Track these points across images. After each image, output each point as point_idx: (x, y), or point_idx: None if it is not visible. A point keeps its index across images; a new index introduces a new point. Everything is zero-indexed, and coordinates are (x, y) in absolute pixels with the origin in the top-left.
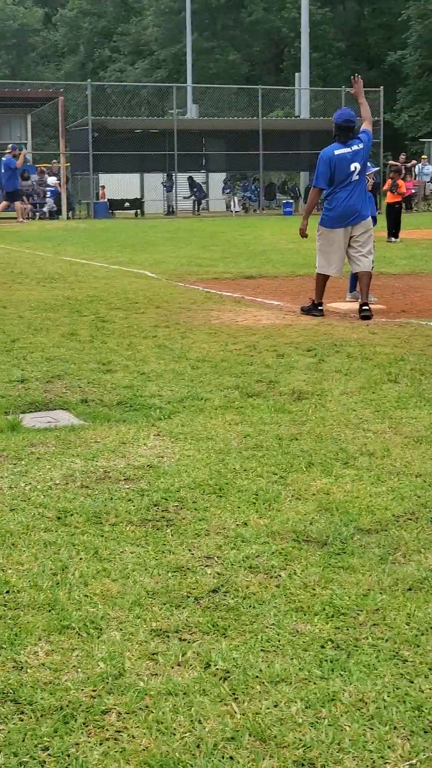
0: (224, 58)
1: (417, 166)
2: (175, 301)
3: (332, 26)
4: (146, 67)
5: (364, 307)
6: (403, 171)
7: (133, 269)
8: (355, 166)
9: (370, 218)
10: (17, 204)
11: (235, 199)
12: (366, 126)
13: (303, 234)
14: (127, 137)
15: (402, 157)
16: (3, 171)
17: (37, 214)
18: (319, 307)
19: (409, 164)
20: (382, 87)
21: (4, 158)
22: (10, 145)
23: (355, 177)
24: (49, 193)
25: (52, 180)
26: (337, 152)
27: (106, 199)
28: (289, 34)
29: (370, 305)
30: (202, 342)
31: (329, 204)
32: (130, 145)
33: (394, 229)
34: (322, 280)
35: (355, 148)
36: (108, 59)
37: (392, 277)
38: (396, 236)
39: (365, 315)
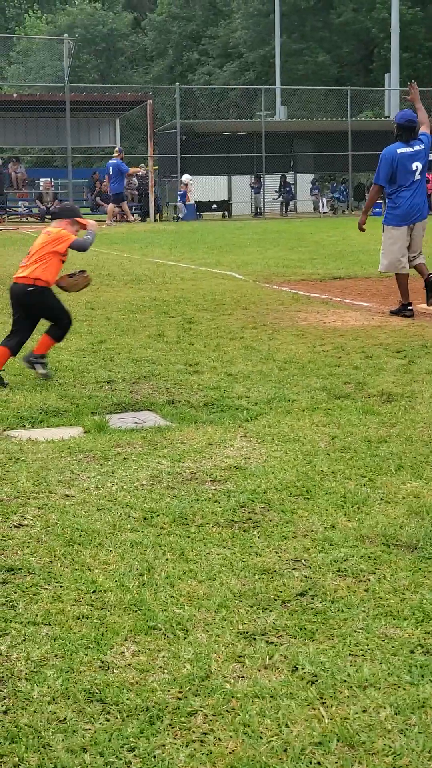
0: (313, 60)
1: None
2: (262, 302)
3: (423, 26)
4: (234, 70)
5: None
6: None
7: (220, 271)
8: (417, 165)
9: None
10: (110, 206)
11: (323, 200)
12: (425, 129)
13: (361, 228)
14: (215, 139)
15: None
16: (111, 173)
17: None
18: (409, 308)
19: None
20: None
21: (113, 161)
22: (117, 148)
23: (418, 176)
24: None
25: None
26: (399, 151)
27: (192, 201)
28: (379, 35)
29: None
30: (290, 343)
31: (393, 203)
32: (218, 148)
33: None
34: (404, 279)
35: (417, 147)
36: (196, 62)
37: None
38: None
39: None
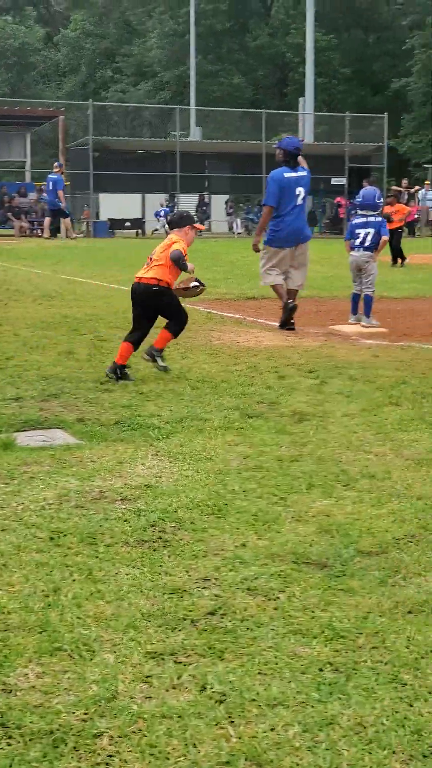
0: (228, 82)
1: (420, 192)
2: None
3: (338, 52)
4: (149, 89)
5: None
6: (406, 196)
7: None
8: (300, 190)
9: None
10: (66, 221)
11: (238, 221)
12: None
13: (255, 249)
14: (129, 157)
15: (404, 182)
16: (50, 188)
17: (36, 231)
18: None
19: (412, 190)
20: (386, 113)
21: (52, 176)
22: (56, 163)
23: (300, 201)
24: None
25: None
26: (286, 175)
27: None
28: (294, 60)
29: (370, 328)
30: (203, 362)
31: (276, 226)
32: (132, 166)
33: (398, 255)
34: (279, 289)
35: (301, 173)
36: (110, 80)
37: (395, 301)
38: (401, 260)
39: (289, 328)
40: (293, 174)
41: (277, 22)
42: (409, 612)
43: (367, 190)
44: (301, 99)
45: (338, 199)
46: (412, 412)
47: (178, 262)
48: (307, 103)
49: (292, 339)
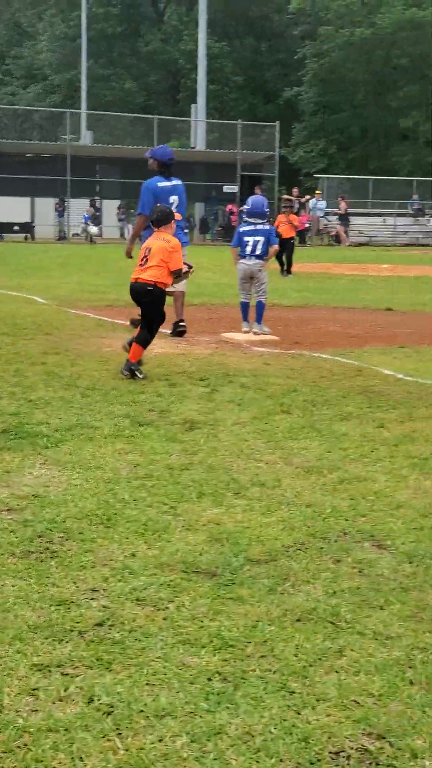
0: (120, 86)
1: (311, 201)
2: (65, 327)
3: (229, 60)
4: (39, 92)
5: (180, 323)
6: (297, 206)
7: (21, 294)
8: (174, 198)
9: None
10: None
11: (129, 226)
12: None
13: (128, 255)
14: (19, 161)
15: (295, 191)
16: None
17: None
18: (181, 323)
19: (303, 199)
20: (278, 122)
21: None
22: None
23: (173, 209)
24: None
25: None
26: (160, 184)
27: None
28: (186, 66)
29: (262, 335)
30: (93, 370)
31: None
32: (21, 169)
33: (287, 265)
34: (179, 296)
35: (174, 183)
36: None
37: (286, 309)
38: (289, 271)
39: (180, 331)
40: (167, 183)
41: (170, 27)
42: (298, 620)
43: (256, 197)
44: (193, 105)
45: (230, 206)
46: (302, 420)
47: (178, 274)
48: (199, 110)
49: (183, 347)
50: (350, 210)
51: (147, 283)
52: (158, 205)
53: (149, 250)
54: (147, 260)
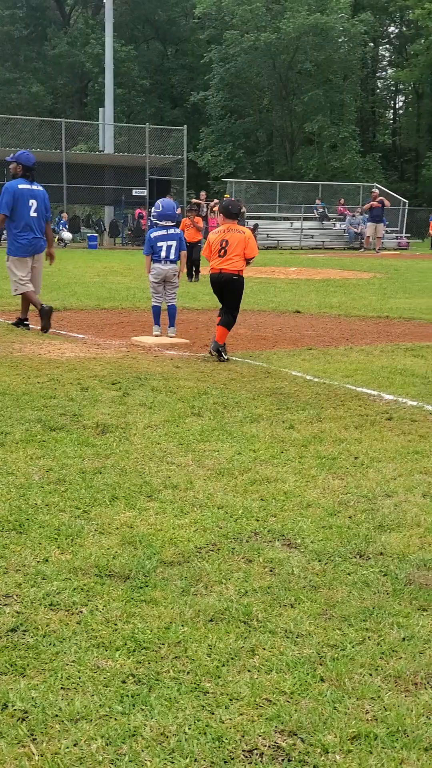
0: (27, 90)
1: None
2: None
3: (137, 64)
4: None
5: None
6: (205, 209)
7: None
8: (32, 202)
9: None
10: None
11: None
12: None
13: None
14: None
15: (203, 195)
16: None
17: None
18: (25, 322)
19: (211, 203)
20: (185, 126)
21: None
22: None
23: (34, 213)
24: None
25: None
26: (20, 186)
27: None
28: (93, 69)
29: (175, 338)
30: (3, 375)
31: (18, 237)
32: None
33: (195, 269)
34: (30, 296)
35: (35, 187)
36: None
37: (196, 312)
38: (197, 275)
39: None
40: (28, 186)
41: (76, 31)
42: (211, 620)
43: (166, 200)
44: (101, 109)
45: (139, 210)
46: (213, 422)
47: (250, 261)
48: (107, 114)
49: (94, 351)
50: (259, 214)
51: (232, 273)
52: (228, 197)
53: (226, 242)
54: (226, 252)
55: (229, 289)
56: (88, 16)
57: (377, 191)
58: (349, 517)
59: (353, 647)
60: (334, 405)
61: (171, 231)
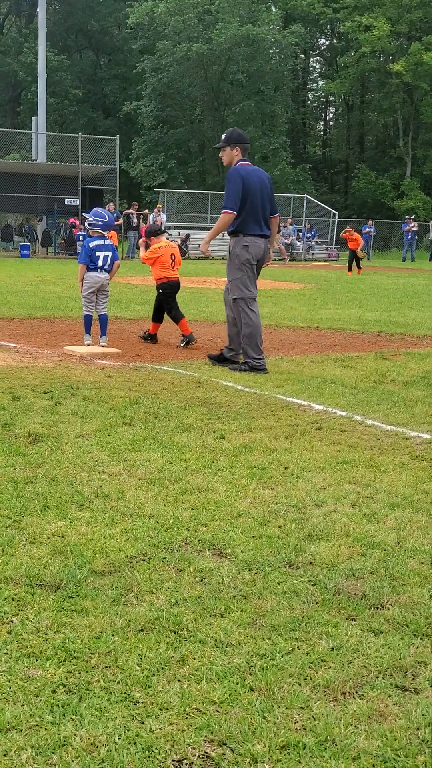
0: None
1: (151, 216)
2: None
3: (69, 73)
4: None
5: None
6: (136, 220)
7: None
8: None
9: None
10: None
11: None
12: None
13: None
14: None
15: (135, 205)
16: None
17: None
18: None
19: (142, 213)
20: (118, 136)
21: None
22: None
23: None
24: None
25: None
26: None
27: None
28: (26, 78)
29: (106, 348)
30: None
31: None
32: None
33: None
34: None
35: None
36: None
37: (128, 322)
38: None
39: None
40: None
41: (9, 39)
42: (141, 630)
43: (102, 210)
44: (33, 118)
45: (72, 219)
46: (144, 431)
47: None
48: (39, 123)
49: (26, 360)
50: (191, 224)
51: (178, 280)
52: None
53: (174, 255)
54: (174, 263)
55: (174, 294)
56: (21, 24)
57: None
58: (279, 527)
59: (282, 657)
60: (265, 415)
61: (107, 241)
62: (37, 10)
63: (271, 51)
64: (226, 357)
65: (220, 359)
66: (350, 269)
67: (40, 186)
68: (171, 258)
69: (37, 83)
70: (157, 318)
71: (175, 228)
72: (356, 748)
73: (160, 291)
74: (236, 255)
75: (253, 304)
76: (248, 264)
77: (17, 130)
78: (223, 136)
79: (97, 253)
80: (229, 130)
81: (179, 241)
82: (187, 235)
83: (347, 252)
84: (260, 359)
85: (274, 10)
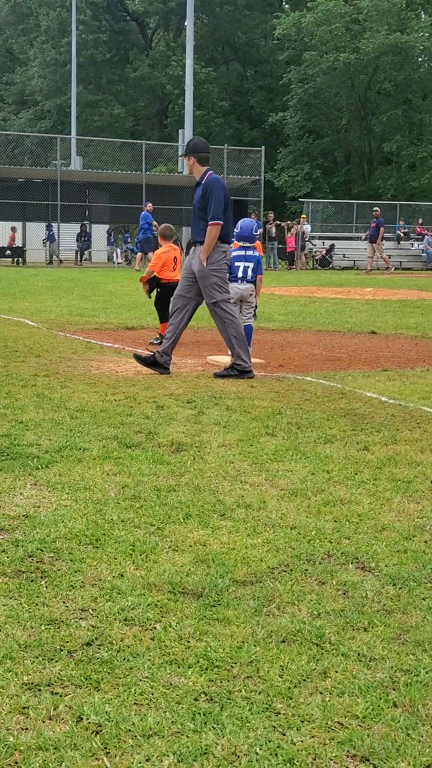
0: (109, 112)
1: (296, 226)
2: (55, 350)
3: (216, 85)
4: (30, 117)
5: None
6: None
7: (12, 317)
8: None
9: None
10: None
11: (118, 251)
12: None
13: None
14: (9, 186)
15: (270, 215)
16: (141, 224)
17: None
18: None
19: (282, 224)
20: (263, 147)
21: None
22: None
23: None
24: None
25: None
26: None
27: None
28: (174, 91)
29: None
30: (82, 392)
31: None
32: (12, 194)
33: None
34: None
35: None
36: None
37: (271, 332)
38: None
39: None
40: None
41: (158, 53)
42: (283, 641)
43: (246, 221)
44: (180, 131)
45: None
46: (287, 442)
47: None
48: (186, 135)
49: (170, 369)
50: (336, 234)
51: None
52: (167, 225)
53: (176, 258)
54: (176, 266)
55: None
56: (169, 39)
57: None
58: (425, 542)
59: (427, 673)
60: (410, 427)
61: (249, 252)
62: (185, 23)
63: (420, 59)
64: (159, 362)
65: (148, 362)
66: None
67: (186, 198)
68: (173, 261)
69: (183, 96)
70: (163, 318)
71: (320, 238)
72: None
73: (159, 290)
74: (214, 261)
75: (232, 305)
76: (222, 267)
77: (164, 143)
78: (186, 145)
79: (236, 264)
80: (192, 139)
81: (324, 251)
82: (332, 246)
83: None
84: (248, 363)
85: (423, 16)
